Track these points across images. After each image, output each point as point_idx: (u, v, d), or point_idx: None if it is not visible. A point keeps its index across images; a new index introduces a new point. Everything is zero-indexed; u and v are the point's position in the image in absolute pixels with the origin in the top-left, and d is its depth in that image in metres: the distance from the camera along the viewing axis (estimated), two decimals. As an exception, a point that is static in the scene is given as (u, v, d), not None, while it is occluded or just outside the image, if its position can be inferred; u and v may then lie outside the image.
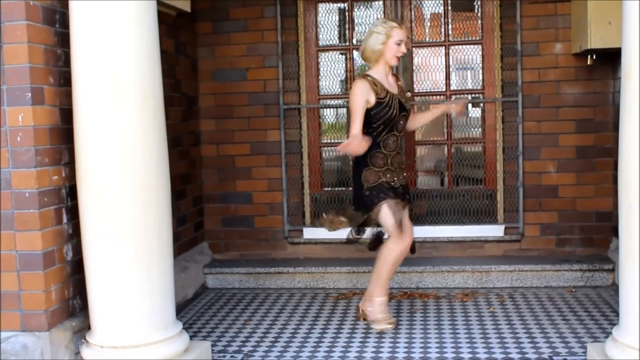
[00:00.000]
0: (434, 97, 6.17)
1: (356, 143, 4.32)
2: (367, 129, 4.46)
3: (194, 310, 5.33)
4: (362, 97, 4.41)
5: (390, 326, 4.58)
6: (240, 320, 5.01)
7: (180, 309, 5.21)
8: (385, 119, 4.47)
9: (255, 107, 6.12)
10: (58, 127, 3.86)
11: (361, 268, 5.70)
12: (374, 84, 4.45)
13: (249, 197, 6.21)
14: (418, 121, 4.92)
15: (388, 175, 4.53)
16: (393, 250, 4.52)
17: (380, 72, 4.53)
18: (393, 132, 4.54)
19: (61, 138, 3.88)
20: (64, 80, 3.88)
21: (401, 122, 4.56)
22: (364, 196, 4.53)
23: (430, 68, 6.08)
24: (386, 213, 4.46)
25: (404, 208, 4.59)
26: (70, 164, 3.86)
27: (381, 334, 4.59)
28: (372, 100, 4.42)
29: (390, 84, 4.55)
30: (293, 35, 6.06)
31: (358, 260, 5.87)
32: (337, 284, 5.77)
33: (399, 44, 4.47)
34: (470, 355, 4.18)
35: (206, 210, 6.29)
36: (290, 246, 6.18)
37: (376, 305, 4.63)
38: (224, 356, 4.31)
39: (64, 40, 3.84)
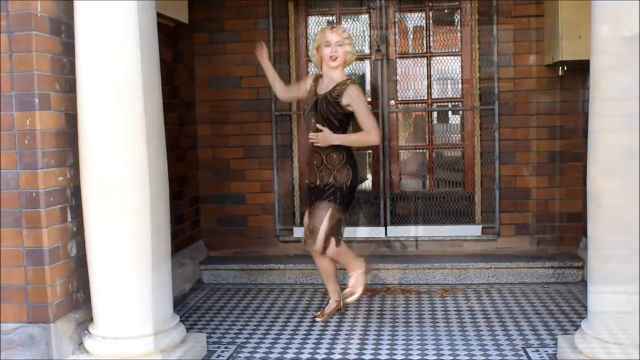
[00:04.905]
0: (417, 104, 6.31)
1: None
2: None
3: (190, 303, 5.42)
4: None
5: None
6: (234, 314, 5.12)
7: (178, 302, 5.26)
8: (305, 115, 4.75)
9: (248, 114, 6.22)
10: (63, 131, 3.91)
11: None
12: (314, 81, 4.74)
13: (242, 198, 6.31)
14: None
15: (311, 177, 4.71)
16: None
17: (324, 74, 4.69)
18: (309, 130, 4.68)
19: (66, 141, 3.92)
20: (69, 87, 3.92)
21: (312, 120, 4.62)
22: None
23: (413, 78, 6.19)
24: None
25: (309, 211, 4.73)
26: (75, 166, 3.92)
27: (366, 326, 4.74)
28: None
29: (323, 86, 4.65)
30: (284, 46, 6.15)
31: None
32: (325, 280, 5.93)
33: (327, 46, 4.52)
34: (449, 347, 4.29)
35: (202, 210, 6.37)
36: (281, 244, 6.27)
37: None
38: (219, 347, 4.39)
39: (69, 49, 3.88)
